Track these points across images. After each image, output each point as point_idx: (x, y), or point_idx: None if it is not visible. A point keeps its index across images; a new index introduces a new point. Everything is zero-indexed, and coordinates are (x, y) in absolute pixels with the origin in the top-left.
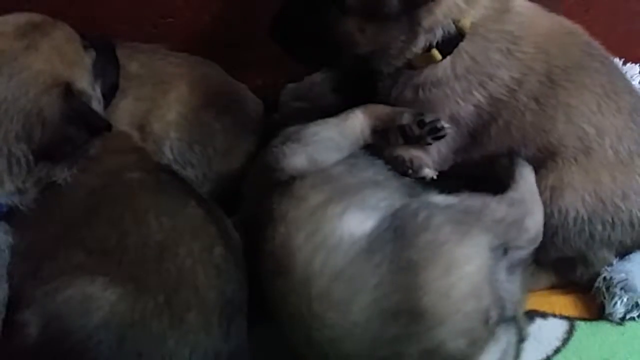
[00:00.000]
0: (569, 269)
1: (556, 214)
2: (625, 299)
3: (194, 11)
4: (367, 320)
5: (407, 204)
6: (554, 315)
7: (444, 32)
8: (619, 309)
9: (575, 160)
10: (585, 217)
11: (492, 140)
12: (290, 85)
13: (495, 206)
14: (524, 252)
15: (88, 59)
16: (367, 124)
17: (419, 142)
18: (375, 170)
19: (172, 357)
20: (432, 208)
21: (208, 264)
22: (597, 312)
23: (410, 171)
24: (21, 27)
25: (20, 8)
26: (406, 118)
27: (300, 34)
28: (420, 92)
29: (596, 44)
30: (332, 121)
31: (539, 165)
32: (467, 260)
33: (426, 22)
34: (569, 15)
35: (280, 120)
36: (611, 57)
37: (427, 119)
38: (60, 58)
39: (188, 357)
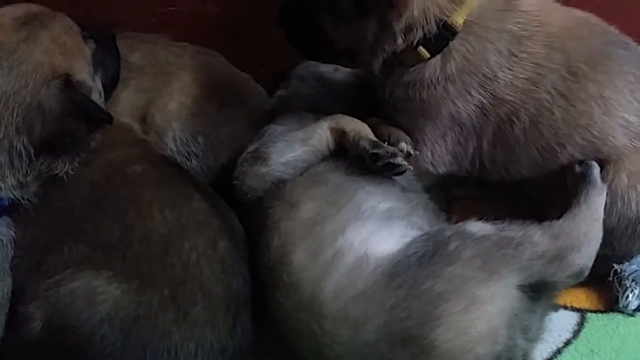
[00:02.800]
0: (603, 265)
1: (633, 203)
2: (637, 291)
3: (197, 1)
4: (377, 341)
5: (441, 230)
6: (565, 307)
7: (424, 30)
8: (632, 302)
9: (635, 147)
10: None
11: (519, 142)
12: (312, 62)
13: (538, 239)
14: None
15: (88, 50)
16: (333, 141)
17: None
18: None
19: (178, 351)
20: (466, 238)
21: (213, 258)
22: (608, 303)
23: (386, 143)
24: (20, 19)
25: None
26: (363, 146)
27: (300, 24)
28: (411, 90)
29: (614, 29)
30: (298, 137)
31: (595, 156)
32: (490, 300)
33: (400, 23)
34: (577, 3)
35: (285, 98)
36: (630, 40)
37: (382, 153)
38: (59, 49)
39: (194, 352)
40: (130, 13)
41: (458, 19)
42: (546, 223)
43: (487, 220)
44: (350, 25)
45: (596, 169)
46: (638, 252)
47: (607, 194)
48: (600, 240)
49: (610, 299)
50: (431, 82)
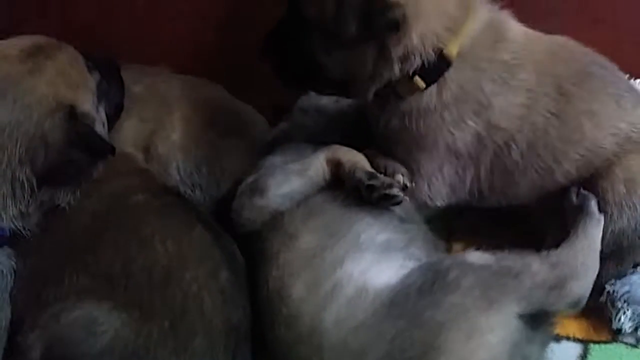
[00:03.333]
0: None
1: (638, 205)
2: (629, 312)
3: (198, 33)
4: None
5: (440, 259)
6: (568, 338)
7: (422, 60)
8: (625, 323)
9: (627, 150)
10: None
11: (519, 165)
12: (313, 94)
13: (537, 268)
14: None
15: (92, 81)
16: (329, 172)
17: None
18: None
19: None
20: (465, 268)
21: (214, 289)
22: (612, 334)
23: (382, 173)
24: (26, 50)
25: (24, 31)
26: (359, 177)
27: (285, 56)
28: (407, 120)
29: (589, 51)
30: (295, 169)
31: (589, 172)
32: (491, 330)
33: (398, 50)
34: (574, 33)
35: (287, 129)
36: (605, 60)
37: (378, 184)
38: (64, 81)
39: None
40: (134, 44)
41: (453, 49)
42: (544, 252)
43: (485, 250)
44: (347, 51)
45: (593, 200)
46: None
47: (613, 200)
48: (597, 271)
49: (613, 330)
50: (427, 111)
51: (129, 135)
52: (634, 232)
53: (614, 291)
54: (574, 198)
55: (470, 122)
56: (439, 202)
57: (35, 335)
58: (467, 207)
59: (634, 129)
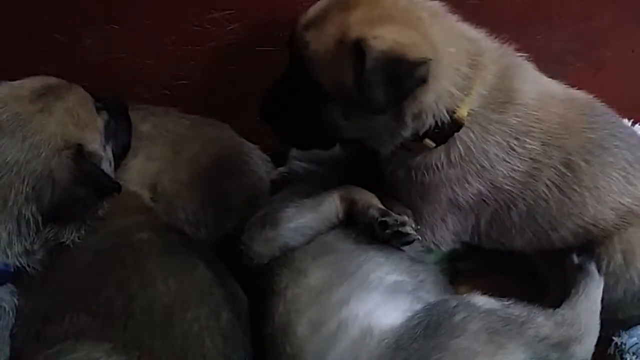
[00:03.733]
0: (604, 330)
1: (636, 278)
2: None
3: (206, 73)
4: None
5: (445, 300)
6: None
7: (436, 120)
8: None
9: (628, 223)
10: None
11: (515, 225)
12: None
13: (542, 322)
14: None
15: (100, 121)
16: (342, 209)
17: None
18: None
19: None
20: (472, 310)
21: (215, 330)
22: None
23: (395, 222)
24: (36, 91)
25: (36, 72)
26: (372, 215)
27: (287, 117)
28: (413, 174)
29: (611, 114)
30: (308, 204)
31: (587, 239)
32: None
33: (414, 109)
34: (577, 77)
35: (286, 174)
36: (626, 124)
37: (391, 221)
38: (72, 121)
39: None
40: (143, 85)
41: (465, 110)
42: (549, 310)
43: (491, 295)
44: (366, 114)
45: (594, 262)
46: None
47: (609, 269)
48: (597, 332)
49: None
50: (434, 168)
51: (135, 173)
52: (630, 304)
53: (621, 343)
54: (575, 258)
55: (473, 182)
56: (444, 247)
57: None
58: (472, 250)
59: (637, 203)
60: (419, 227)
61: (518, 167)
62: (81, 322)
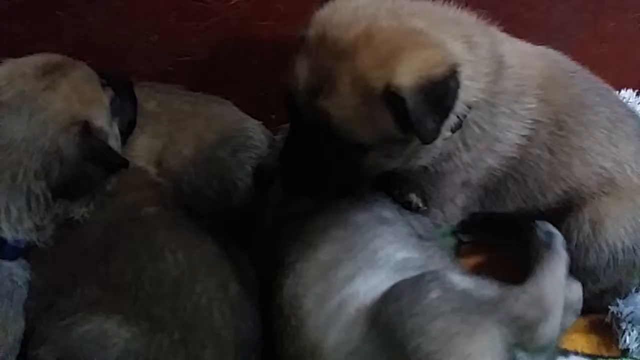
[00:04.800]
0: (596, 300)
1: (605, 247)
2: (634, 333)
3: (210, 49)
4: None
5: (422, 275)
6: (576, 353)
7: (458, 117)
8: (631, 344)
9: (603, 192)
10: (631, 246)
11: (509, 192)
12: (286, 125)
13: (513, 302)
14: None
15: (106, 97)
16: None
17: None
18: (381, 205)
19: None
20: (447, 289)
21: (223, 301)
22: (621, 350)
23: (397, 193)
24: (41, 68)
25: (41, 49)
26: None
27: (315, 174)
28: (430, 166)
29: (586, 72)
30: None
31: (565, 205)
32: (481, 354)
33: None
34: (583, 49)
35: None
36: (601, 82)
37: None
38: (78, 97)
39: None
40: (147, 62)
41: (473, 95)
42: (518, 287)
43: (467, 273)
44: (406, 141)
45: (560, 239)
46: (629, 284)
47: (578, 240)
48: (562, 307)
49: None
50: (449, 155)
51: (141, 150)
52: (607, 270)
53: (618, 312)
54: (541, 234)
55: (486, 159)
56: (454, 222)
57: (47, 349)
58: (474, 223)
59: (619, 170)
60: (425, 207)
61: (521, 131)
62: (92, 295)
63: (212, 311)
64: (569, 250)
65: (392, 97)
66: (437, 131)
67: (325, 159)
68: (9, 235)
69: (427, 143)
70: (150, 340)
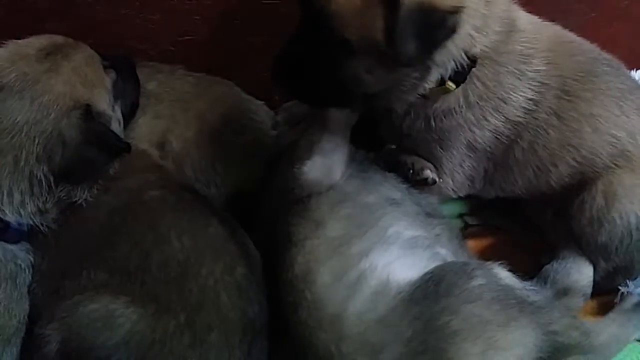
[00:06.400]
0: (607, 281)
1: (618, 220)
2: None
3: (212, 28)
4: None
5: (467, 262)
6: None
7: (456, 64)
8: None
9: (617, 165)
10: None
11: (518, 163)
12: (287, 105)
13: (557, 316)
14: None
15: (108, 80)
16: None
17: None
18: (389, 186)
19: None
20: (491, 280)
21: (230, 284)
22: None
23: (411, 172)
24: (43, 50)
25: (41, 30)
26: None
27: (303, 76)
28: (432, 122)
29: (592, 46)
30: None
31: (580, 179)
32: (509, 347)
33: (439, 58)
34: (593, 29)
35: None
36: (612, 58)
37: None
38: (80, 80)
39: None
40: (149, 42)
41: (479, 48)
42: (569, 310)
43: (515, 273)
44: (391, 67)
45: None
46: None
47: (592, 213)
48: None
49: None
50: (453, 111)
51: (144, 132)
52: (621, 248)
53: (628, 292)
54: (625, 289)
55: (490, 119)
56: (462, 193)
57: (53, 327)
58: (481, 205)
59: (631, 140)
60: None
61: (527, 93)
62: (98, 278)
63: (219, 293)
64: (581, 225)
65: (392, 3)
66: (415, 57)
67: (316, 60)
68: (12, 218)
69: (403, 64)
70: (156, 322)
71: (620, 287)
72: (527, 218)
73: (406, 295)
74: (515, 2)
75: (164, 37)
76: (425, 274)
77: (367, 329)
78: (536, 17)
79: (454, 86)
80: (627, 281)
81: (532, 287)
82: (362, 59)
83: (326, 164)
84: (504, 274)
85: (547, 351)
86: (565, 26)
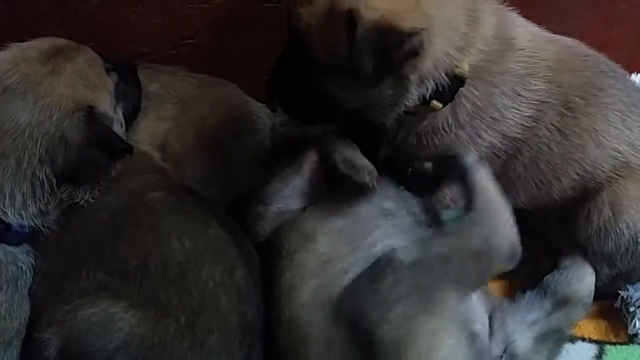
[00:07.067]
0: (607, 286)
1: (625, 230)
2: None
3: (214, 32)
4: None
5: (378, 260)
6: (583, 339)
7: (436, 83)
8: None
9: (620, 175)
10: None
11: (519, 177)
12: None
13: (460, 242)
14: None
15: (110, 82)
16: (320, 164)
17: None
18: (383, 195)
19: None
20: (397, 271)
21: (230, 287)
22: (628, 336)
23: (411, 172)
24: (45, 52)
25: (43, 34)
26: (340, 167)
27: (293, 92)
28: (423, 138)
29: (601, 57)
30: (289, 170)
31: (582, 191)
32: (444, 329)
33: (413, 77)
34: (592, 32)
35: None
36: (617, 67)
37: (350, 171)
38: (82, 82)
39: None
40: (150, 45)
41: (465, 66)
42: (459, 225)
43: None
44: (363, 86)
45: (464, 155)
46: None
47: (599, 223)
48: (508, 208)
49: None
50: (443, 130)
51: (145, 133)
52: (625, 256)
53: (627, 297)
54: (452, 162)
55: (485, 136)
56: (461, 205)
57: (52, 331)
58: None
59: (634, 153)
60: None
61: (525, 111)
62: (98, 280)
63: (219, 296)
64: (588, 235)
65: (351, 21)
66: (373, 76)
67: (300, 77)
68: (13, 220)
69: (365, 83)
70: (155, 325)
71: (620, 292)
72: (529, 225)
73: (339, 314)
74: (514, 7)
75: (165, 41)
76: (344, 289)
77: (326, 354)
78: (537, 27)
79: (440, 105)
80: (628, 285)
81: (428, 242)
82: (334, 77)
83: (278, 210)
84: (404, 253)
85: (476, 277)
86: (564, 30)
